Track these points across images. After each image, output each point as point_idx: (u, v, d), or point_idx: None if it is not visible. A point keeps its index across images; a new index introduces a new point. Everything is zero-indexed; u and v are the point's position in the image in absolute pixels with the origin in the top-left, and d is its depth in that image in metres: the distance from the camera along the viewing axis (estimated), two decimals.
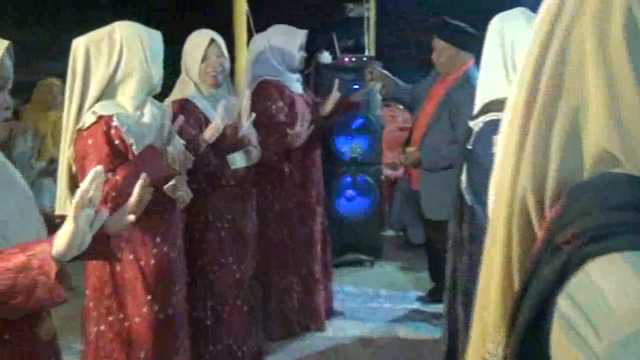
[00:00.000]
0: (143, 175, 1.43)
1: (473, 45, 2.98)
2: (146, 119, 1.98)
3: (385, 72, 3.49)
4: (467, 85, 2.88)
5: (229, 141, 2.53)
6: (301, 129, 2.92)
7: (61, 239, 1.12)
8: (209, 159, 2.44)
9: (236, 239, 2.62)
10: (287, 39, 3.07)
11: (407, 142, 3.29)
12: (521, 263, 0.54)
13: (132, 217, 1.38)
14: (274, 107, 2.98)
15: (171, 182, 2.00)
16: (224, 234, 2.58)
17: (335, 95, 3.18)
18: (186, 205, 2.20)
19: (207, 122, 2.48)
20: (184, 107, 2.48)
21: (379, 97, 4.05)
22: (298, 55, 3.10)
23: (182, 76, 2.58)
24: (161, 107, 2.11)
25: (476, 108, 1.91)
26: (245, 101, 2.55)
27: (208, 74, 2.53)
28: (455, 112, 2.91)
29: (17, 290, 1.09)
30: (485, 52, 1.87)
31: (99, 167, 1.15)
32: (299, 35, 3.10)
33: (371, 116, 4.11)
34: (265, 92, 3.00)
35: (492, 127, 1.70)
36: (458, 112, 2.86)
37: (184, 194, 2.11)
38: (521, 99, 0.55)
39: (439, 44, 3.07)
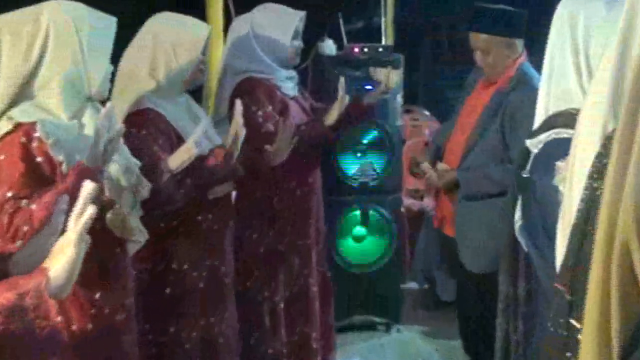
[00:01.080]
0: (88, 187, 1.43)
1: (522, 29, 3.08)
2: (88, 130, 1.99)
3: (391, 72, 3.52)
4: (526, 85, 2.95)
5: (219, 174, 2.60)
6: (281, 140, 2.91)
7: (58, 269, 1.18)
8: (172, 196, 2.45)
9: (216, 292, 2.70)
10: (277, 24, 3.16)
11: (435, 160, 3.36)
12: (622, 313, 0.58)
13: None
14: (260, 112, 3.06)
15: (109, 215, 2.02)
16: (203, 285, 2.65)
17: (342, 99, 3.26)
18: (146, 250, 2.24)
19: (180, 141, 2.52)
20: (149, 120, 2.52)
21: (399, 100, 4.17)
22: (292, 45, 3.18)
23: (131, 71, 2.61)
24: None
25: (536, 122, 1.92)
26: (238, 115, 2.61)
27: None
28: (510, 122, 2.97)
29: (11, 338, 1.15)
30: (549, 46, 1.88)
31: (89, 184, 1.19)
32: (293, 18, 3.18)
33: (388, 127, 4.20)
34: (250, 92, 3.07)
35: (557, 148, 1.70)
36: (515, 122, 2.92)
37: (137, 233, 2.12)
38: (625, 109, 0.57)
39: (479, 39, 3.15)
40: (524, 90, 2.89)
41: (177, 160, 2.40)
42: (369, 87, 3.90)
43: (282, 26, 3.14)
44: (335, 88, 3.34)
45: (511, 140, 2.94)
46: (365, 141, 4.23)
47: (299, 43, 3.24)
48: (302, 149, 3.08)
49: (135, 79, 2.56)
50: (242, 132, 2.58)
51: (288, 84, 3.25)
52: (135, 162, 2.15)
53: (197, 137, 2.39)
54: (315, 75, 4.13)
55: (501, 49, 3.10)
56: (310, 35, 3.53)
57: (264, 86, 3.12)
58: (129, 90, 2.55)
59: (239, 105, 2.61)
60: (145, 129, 2.45)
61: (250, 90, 3.09)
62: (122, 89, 2.54)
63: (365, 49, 4.21)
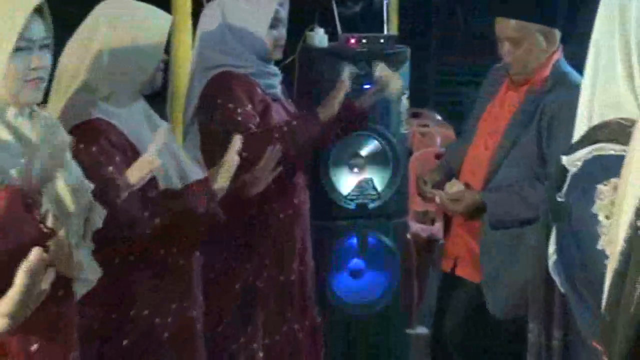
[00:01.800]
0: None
1: (561, 16, 3.12)
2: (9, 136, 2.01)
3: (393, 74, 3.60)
4: (566, 87, 2.98)
5: (195, 207, 2.60)
6: (263, 169, 3.00)
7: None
8: (135, 220, 2.47)
9: (185, 342, 2.70)
10: (251, 9, 3.23)
11: (447, 178, 3.38)
12: None
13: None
14: (240, 110, 3.14)
15: (51, 247, 1.97)
16: (169, 334, 2.65)
17: (343, 86, 3.38)
18: (98, 292, 2.25)
19: (136, 154, 2.55)
20: (100, 133, 2.54)
21: (404, 103, 4.20)
22: (270, 35, 3.26)
23: (73, 71, 2.62)
24: (51, 122, 2.15)
25: (575, 133, 1.87)
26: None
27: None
28: (548, 130, 2.99)
29: None
30: (594, 40, 1.80)
31: None
32: (271, 3, 3.25)
33: (391, 135, 4.22)
34: (225, 88, 3.18)
35: (600, 168, 1.66)
36: (554, 131, 2.95)
37: (86, 270, 2.12)
38: None
39: (508, 27, 3.15)
40: (565, 92, 2.92)
41: (137, 173, 2.44)
42: (368, 86, 3.92)
43: (257, 12, 3.22)
44: (327, 88, 3.44)
45: (550, 154, 2.96)
46: (363, 153, 4.24)
47: (279, 33, 3.31)
48: (291, 153, 3.16)
49: (79, 82, 2.59)
50: (233, 167, 2.65)
51: (270, 81, 3.33)
52: (88, 184, 2.17)
53: (161, 145, 2.43)
54: (303, 72, 4.17)
55: (536, 41, 3.12)
56: (297, 23, 3.63)
57: (241, 81, 3.21)
58: (71, 95, 2.59)
59: (237, 141, 2.67)
60: (95, 145, 2.47)
61: (225, 86, 3.19)
62: (62, 93, 2.57)
63: (364, 40, 4.24)
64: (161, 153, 2.45)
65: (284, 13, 3.30)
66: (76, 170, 2.13)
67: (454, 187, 3.24)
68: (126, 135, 2.59)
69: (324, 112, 3.35)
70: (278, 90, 3.39)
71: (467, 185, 3.25)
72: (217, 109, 3.15)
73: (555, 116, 2.94)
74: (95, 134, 2.53)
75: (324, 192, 4.10)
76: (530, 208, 2.92)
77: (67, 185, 2.05)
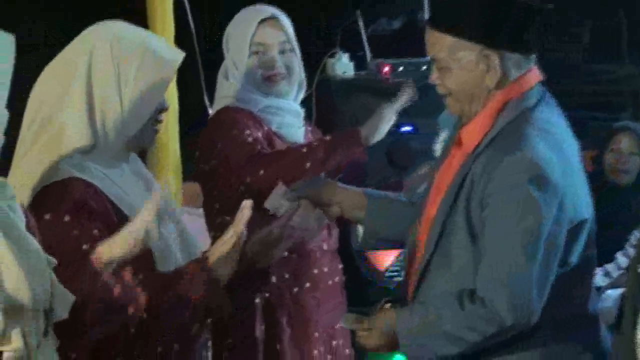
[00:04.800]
0: None
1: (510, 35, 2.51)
2: None
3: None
4: (513, 137, 2.45)
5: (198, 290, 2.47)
6: (311, 222, 2.89)
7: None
8: (113, 310, 2.31)
9: None
10: (235, 29, 3.27)
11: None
12: None
13: None
14: (247, 132, 3.17)
15: (5, 354, 1.93)
16: None
17: (391, 112, 3.33)
18: None
19: (123, 219, 2.41)
20: (75, 198, 2.42)
21: None
22: (256, 62, 3.24)
23: (47, 113, 2.50)
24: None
25: None
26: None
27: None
28: (478, 211, 2.46)
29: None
30: None
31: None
32: (252, 16, 3.26)
33: None
34: (229, 119, 3.23)
35: None
36: (487, 214, 2.43)
37: None
38: None
39: (436, 42, 2.60)
40: (506, 148, 2.40)
41: (119, 245, 2.27)
42: (407, 128, 3.86)
43: (239, 31, 3.23)
44: (354, 126, 3.33)
45: (481, 235, 2.43)
46: None
47: (267, 58, 3.23)
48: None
49: (53, 128, 2.49)
50: (238, 242, 2.47)
51: (282, 118, 3.28)
52: (49, 261, 2.03)
53: (156, 207, 2.26)
54: (322, 110, 3.88)
55: (467, 66, 2.52)
56: (314, 47, 3.67)
57: (246, 114, 3.22)
58: (42, 145, 2.47)
59: (247, 208, 2.46)
60: (68, 214, 2.33)
61: (230, 117, 3.21)
62: (29, 142, 2.49)
63: (401, 67, 4.02)
64: (157, 219, 2.27)
65: (271, 33, 3.23)
66: (30, 244, 1.98)
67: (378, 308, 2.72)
68: (113, 201, 2.47)
69: (368, 132, 3.22)
70: (299, 132, 3.29)
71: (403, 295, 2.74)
72: (219, 141, 3.13)
73: (486, 189, 2.43)
74: (68, 199, 2.40)
75: (355, 269, 3.88)
76: (450, 341, 2.46)
77: (18, 266, 1.93)
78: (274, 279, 3.29)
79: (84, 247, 2.32)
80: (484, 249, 2.43)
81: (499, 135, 2.50)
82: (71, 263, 2.22)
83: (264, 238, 2.74)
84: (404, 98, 3.39)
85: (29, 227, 2.06)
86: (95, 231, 2.37)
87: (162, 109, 2.59)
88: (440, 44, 2.54)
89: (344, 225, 3.40)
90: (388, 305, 2.69)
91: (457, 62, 2.54)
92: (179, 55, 2.58)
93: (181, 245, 2.63)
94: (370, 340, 2.62)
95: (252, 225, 2.58)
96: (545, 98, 2.56)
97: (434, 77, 2.59)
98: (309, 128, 3.43)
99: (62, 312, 2.05)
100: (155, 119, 2.58)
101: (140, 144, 2.63)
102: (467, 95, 2.56)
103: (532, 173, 2.19)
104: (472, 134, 2.56)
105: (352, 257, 3.84)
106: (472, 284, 2.44)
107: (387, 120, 3.32)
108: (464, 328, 2.42)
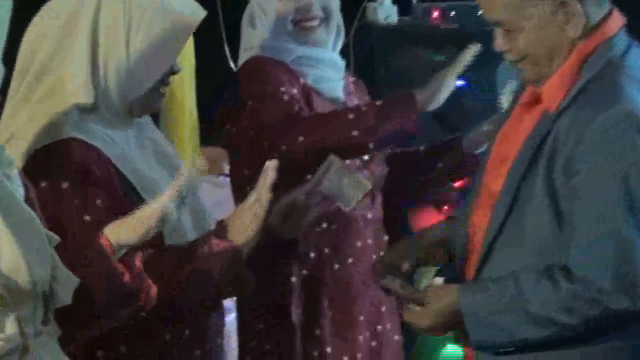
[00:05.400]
0: None
1: None
2: None
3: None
4: (605, 93, 2.32)
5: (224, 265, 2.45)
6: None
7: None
8: (127, 297, 2.23)
9: None
10: None
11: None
12: None
13: None
14: (283, 89, 3.04)
15: None
16: None
17: (454, 71, 3.12)
18: None
19: (137, 200, 2.33)
20: (75, 161, 2.36)
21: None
22: (284, 5, 3.14)
23: (43, 66, 2.43)
24: None
25: None
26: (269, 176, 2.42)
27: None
28: (565, 176, 2.32)
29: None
30: None
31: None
32: None
33: None
34: (261, 70, 3.14)
35: None
36: (576, 179, 2.30)
37: None
38: None
39: (504, 2, 2.39)
40: (597, 106, 2.26)
41: (133, 228, 2.17)
42: (459, 83, 3.58)
43: None
44: (397, 85, 3.44)
45: (570, 205, 2.31)
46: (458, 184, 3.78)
47: (314, 10, 3.12)
48: (370, 146, 3.04)
49: (49, 80, 2.43)
50: (263, 208, 2.41)
51: (319, 72, 3.17)
52: (51, 239, 1.96)
53: (181, 190, 2.16)
54: (361, 62, 3.80)
55: (543, 17, 2.36)
56: None
57: (280, 66, 3.11)
58: (37, 101, 2.42)
59: (271, 169, 2.42)
60: (66, 179, 2.28)
61: (260, 69, 3.13)
62: (22, 98, 2.43)
63: (453, 12, 3.96)
64: (177, 203, 2.18)
65: None
66: (29, 219, 1.91)
67: (426, 279, 2.73)
68: (118, 168, 2.38)
69: (424, 99, 3.03)
70: (339, 87, 3.15)
71: (457, 275, 2.60)
72: (249, 99, 3.02)
73: (575, 152, 2.29)
74: (67, 163, 2.36)
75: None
76: (536, 324, 2.36)
77: (15, 243, 1.86)
78: (311, 254, 3.12)
79: (86, 218, 2.25)
80: (580, 220, 2.25)
81: (585, 89, 2.33)
82: (71, 238, 2.14)
83: (287, 206, 2.58)
84: (466, 57, 3.11)
85: (28, 199, 1.94)
86: (98, 201, 2.29)
87: (173, 71, 2.48)
88: (502, 4, 2.34)
89: (388, 190, 3.33)
90: (439, 279, 2.64)
91: (528, 19, 2.36)
92: (199, 14, 2.45)
93: (194, 221, 2.51)
94: (425, 319, 2.43)
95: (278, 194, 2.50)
96: (632, 44, 2.37)
97: (501, 44, 2.37)
98: (351, 80, 3.23)
99: (65, 297, 1.95)
100: (163, 82, 2.46)
101: (144, 109, 2.49)
102: (545, 56, 2.38)
103: (636, 127, 2.03)
104: (554, 90, 2.36)
105: (396, 228, 3.55)
106: (555, 260, 2.30)
107: (448, 86, 3.08)
108: (559, 310, 2.26)
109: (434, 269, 2.76)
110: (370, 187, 2.88)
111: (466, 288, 2.41)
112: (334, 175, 2.66)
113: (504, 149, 2.52)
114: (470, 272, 2.47)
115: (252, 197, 2.43)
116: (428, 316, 2.42)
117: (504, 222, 2.38)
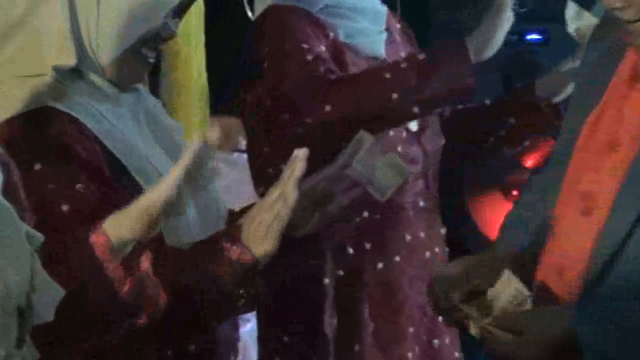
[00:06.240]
0: None
1: None
2: None
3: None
4: None
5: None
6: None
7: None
8: (124, 309, 2.08)
9: None
10: None
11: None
12: None
13: None
14: (306, 46, 2.85)
15: None
16: None
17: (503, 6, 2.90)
18: None
19: (130, 184, 2.23)
20: (52, 137, 2.25)
21: None
22: None
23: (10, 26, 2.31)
24: None
25: None
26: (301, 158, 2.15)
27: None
28: None
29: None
30: None
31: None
32: None
33: None
34: (280, 23, 2.96)
35: None
36: None
37: None
38: None
39: None
40: None
41: (136, 219, 2.03)
42: (535, 36, 3.78)
43: None
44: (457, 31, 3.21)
45: None
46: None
47: None
48: (413, 111, 2.82)
49: (22, 36, 2.31)
50: (290, 203, 2.17)
51: (349, 24, 2.97)
52: (34, 236, 1.71)
53: (191, 162, 2.01)
54: (408, 4, 3.48)
55: None
56: None
57: (303, 17, 2.95)
58: (7, 60, 2.26)
59: (301, 160, 2.16)
60: (39, 159, 2.14)
61: (279, 22, 2.95)
62: None
63: None
64: (189, 185, 2.03)
65: None
66: (4, 211, 1.62)
67: (506, 292, 2.19)
68: (106, 146, 2.21)
69: (478, 45, 2.81)
70: (378, 41, 2.91)
71: (541, 293, 2.23)
72: (266, 58, 2.83)
73: None
74: (41, 138, 2.23)
75: (463, 237, 3.72)
76: None
77: None
78: (349, 249, 2.86)
79: (63, 208, 2.10)
80: None
81: None
82: (48, 234, 1.81)
83: (306, 196, 2.32)
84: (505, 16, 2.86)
85: (9, 185, 1.73)
86: (79, 185, 2.13)
87: (163, 35, 2.23)
88: None
89: (447, 171, 3.12)
90: (527, 300, 2.11)
91: None
92: None
93: (201, 214, 2.31)
94: (525, 349, 2.04)
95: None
96: None
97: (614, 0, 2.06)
98: (397, 27, 2.92)
99: (45, 313, 1.74)
100: (149, 46, 2.22)
101: (124, 78, 2.26)
102: None
103: None
104: None
105: (455, 220, 3.47)
106: None
107: (503, 26, 2.79)
108: None
109: (509, 276, 2.14)
110: (411, 171, 2.75)
111: (582, 313, 2.01)
112: (365, 156, 2.35)
113: (605, 133, 2.13)
114: (565, 291, 2.05)
115: (274, 193, 2.15)
116: (529, 346, 2.02)
117: (633, 223, 1.99)
